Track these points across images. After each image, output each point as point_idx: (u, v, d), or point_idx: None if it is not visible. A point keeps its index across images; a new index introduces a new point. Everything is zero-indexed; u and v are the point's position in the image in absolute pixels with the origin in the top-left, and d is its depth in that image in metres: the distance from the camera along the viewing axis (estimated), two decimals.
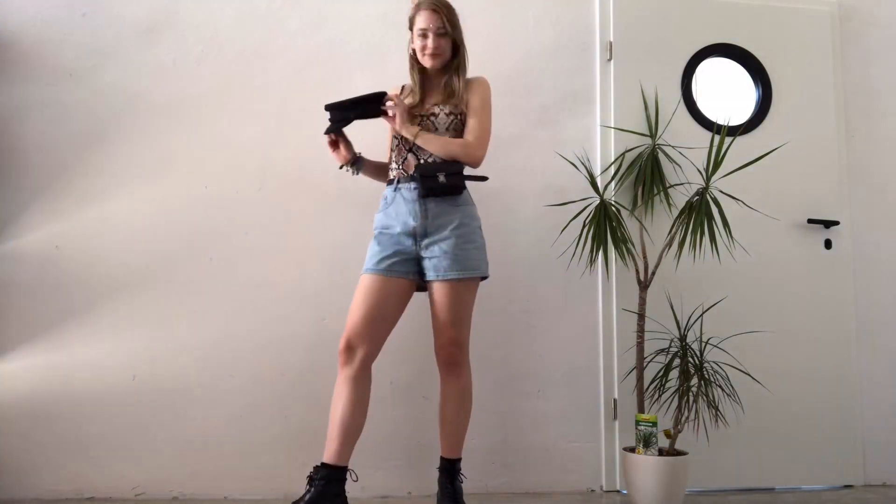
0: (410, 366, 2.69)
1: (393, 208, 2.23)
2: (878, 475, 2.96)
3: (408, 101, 2.29)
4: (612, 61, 2.94)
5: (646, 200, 2.78)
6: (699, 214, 2.52)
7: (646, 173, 2.76)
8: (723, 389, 2.53)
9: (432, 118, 2.25)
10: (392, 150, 2.32)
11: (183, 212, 2.64)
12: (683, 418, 2.49)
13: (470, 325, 2.24)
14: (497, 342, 2.76)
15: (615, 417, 2.78)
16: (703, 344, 2.54)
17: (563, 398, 2.78)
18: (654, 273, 2.65)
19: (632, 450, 2.49)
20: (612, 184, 2.82)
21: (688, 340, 2.55)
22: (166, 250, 2.61)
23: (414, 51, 2.30)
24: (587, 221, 2.67)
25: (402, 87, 2.40)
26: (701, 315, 2.63)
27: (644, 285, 2.65)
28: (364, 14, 2.84)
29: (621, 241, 2.61)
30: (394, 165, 2.29)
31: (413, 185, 2.20)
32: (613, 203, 2.71)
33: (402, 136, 2.24)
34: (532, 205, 2.84)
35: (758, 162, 2.63)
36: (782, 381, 2.87)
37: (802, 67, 3.07)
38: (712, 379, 2.50)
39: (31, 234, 2.56)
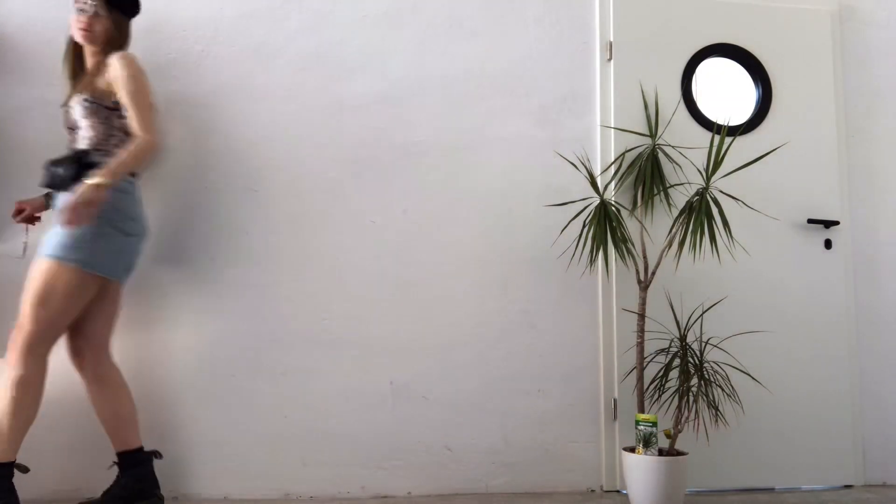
0: (410, 366, 2.69)
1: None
2: (878, 475, 2.96)
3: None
4: (612, 61, 2.94)
5: (646, 200, 2.78)
6: (699, 214, 2.52)
7: (646, 173, 2.76)
8: (723, 389, 2.53)
9: (69, 108, 2.27)
10: None
11: (183, 212, 2.64)
12: (683, 418, 2.49)
13: (38, 312, 2.07)
14: (497, 342, 2.76)
15: (615, 417, 2.78)
16: (703, 344, 2.54)
17: (563, 398, 2.78)
18: (654, 273, 2.65)
19: (632, 450, 2.49)
20: (612, 184, 2.82)
21: (688, 340, 2.55)
22: (166, 250, 2.61)
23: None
24: (587, 221, 2.67)
25: None
26: (701, 315, 2.63)
27: (644, 285, 2.65)
28: (364, 14, 2.84)
29: (621, 241, 2.61)
30: None
31: None
32: (613, 203, 2.71)
33: (65, 122, 2.32)
34: (532, 205, 2.84)
35: (758, 162, 2.63)
36: (782, 381, 2.87)
37: (802, 67, 3.07)
38: (712, 379, 2.50)
39: (31, 233, 2.56)
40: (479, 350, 2.75)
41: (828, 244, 3.00)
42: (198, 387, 2.57)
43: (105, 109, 2.25)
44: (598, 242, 2.63)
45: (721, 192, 2.61)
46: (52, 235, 2.11)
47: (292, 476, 2.54)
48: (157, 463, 2.52)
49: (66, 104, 2.31)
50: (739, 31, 3.03)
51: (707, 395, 2.48)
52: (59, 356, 2.53)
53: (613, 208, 2.66)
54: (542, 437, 2.75)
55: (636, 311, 2.65)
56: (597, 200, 2.66)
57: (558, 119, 2.91)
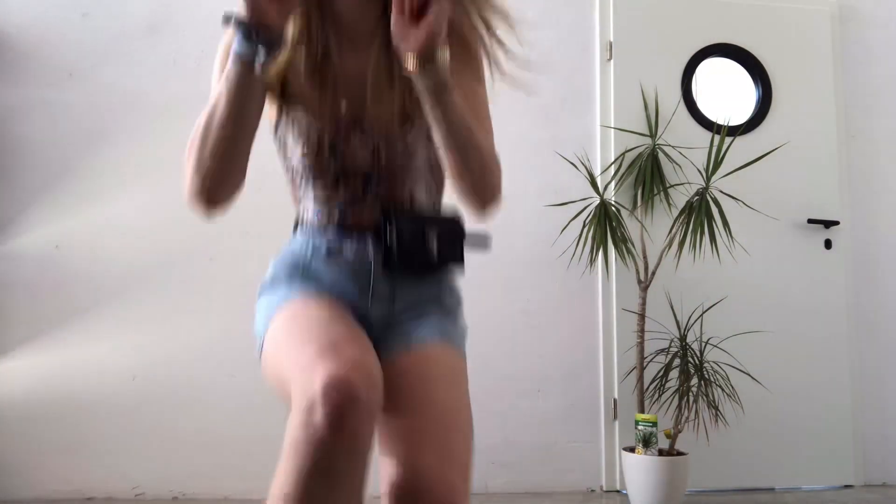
0: None
1: (326, 270, 1.13)
2: (878, 475, 2.95)
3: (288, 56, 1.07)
4: (612, 61, 2.94)
5: (646, 200, 2.77)
6: (699, 214, 2.52)
7: (646, 173, 2.76)
8: (723, 389, 2.53)
9: (409, 128, 1.12)
10: (296, 165, 1.17)
11: (183, 212, 2.63)
12: (683, 418, 2.49)
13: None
14: (497, 342, 2.76)
15: (615, 417, 2.78)
16: (703, 344, 2.54)
17: (563, 398, 2.78)
18: (654, 273, 2.65)
19: (632, 450, 2.49)
20: (612, 184, 2.82)
21: (688, 340, 2.55)
22: (166, 250, 2.61)
23: None
24: (587, 221, 2.67)
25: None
26: (701, 315, 2.63)
27: (644, 285, 2.65)
28: None
29: (621, 241, 2.61)
30: (314, 203, 1.18)
31: (370, 242, 1.13)
32: (613, 203, 2.71)
33: (341, 147, 1.10)
34: (532, 205, 2.83)
35: (758, 162, 2.63)
36: (782, 381, 2.86)
37: (802, 67, 3.06)
38: (712, 379, 2.50)
39: (31, 234, 2.56)
40: (479, 350, 2.74)
41: (828, 244, 3.00)
42: (197, 387, 2.56)
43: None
44: (598, 242, 2.63)
45: (721, 192, 2.61)
46: (446, 328, 1.20)
47: None
48: (156, 462, 2.52)
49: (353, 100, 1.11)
50: (739, 31, 3.03)
51: (707, 395, 2.48)
52: (60, 356, 2.53)
53: (613, 208, 2.66)
54: (542, 437, 2.75)
55: (636, 311, 2.65)
56: (597, 200, 2.66)
57: (558, 119, 2.90)
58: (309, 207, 1.19)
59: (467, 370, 1.22)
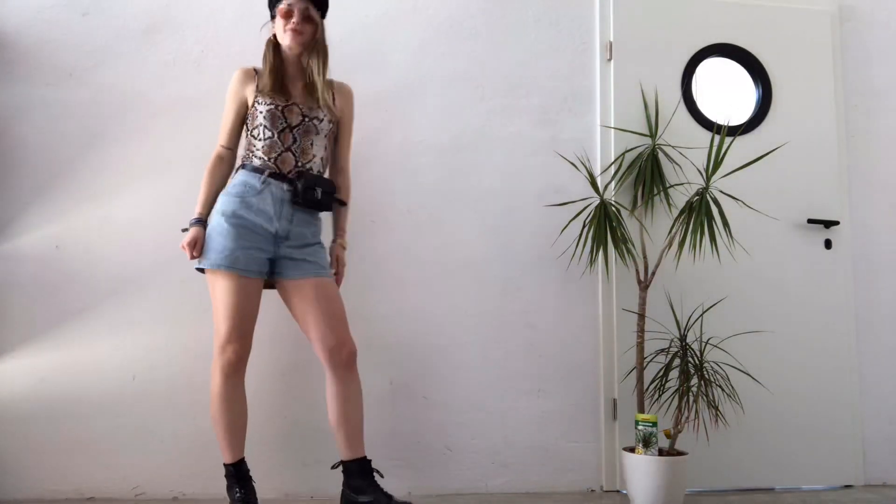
0: (410, 365, 2.69)
1: (257, 201, 2.14)
2: (878, 475, 2.96)
3: (260, 83, 2.23)
4: (612, 61, 2.94)
5: (646, 200, 2.78)
6: (699, 214, 2.52)
7: (646, 173, 2.76)
8: (723, 389, 2.53)
9: (315, 122, 2.23)
10: (255, 135, 2.21)
11: (183, 212, 2.63)
12: (683, 418, 2.49)
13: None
14: (497, 342, 2.76)
15: (615, 417, 2.78)
16: (703, 344, 2.54)
17: (563, 398, 2.78)
18: (654, 273, 2.65)
19: (632, 450, 2.49)
20: (612, 184, 2.82)
21: (688, 340, 2.55)
22: (166, 250, 2.61)
23: (274, 35, 2.27)
24: (587, 221, 2.67)
25: (254, 70, 2.29)
26: (701, 315, 2.63)
27: (644, 285, 2.65)
28: (364, 14, 2.85)
29: (621, 241, 2.61)
30: (260, 154, 2.19)
31: (286, 186, 2.17)
32: (613, 203, 2.71)
33: (280, 127, 2.18)
34: (532, 205, 2.84)
35: (758, 162, 2.63)
36: (782, 381, 2.87)
37: (802, 67, 3.07)
38: (712, 379, 2.50)
39: (31, 234, 2.56)
40: (479, 350, 2.75)
41: (828, 244, 3.00)
42: (197, 387, 2.56)
43: (333, 136, 2.36)
44: (598, 242, 2.63)
45: (721, 192, 2.61)
46: (322, 262, 2.24)
47: (292, 476, 2.54)
48: (156, 463, 2.52)
49: (288, 105, 2.21)
50: (739, 31, 3.03)
51: (707, 395, 2.48)
52: (60, 356, 2.53)
53: (613, 208, 2.66)
54: (542, 437, 2.75)
55: (636, 311, 2.65)
56: (597, 200, 2.66)
57: (558, 119, 2.91)
58: (257, 154, 2.20)
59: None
